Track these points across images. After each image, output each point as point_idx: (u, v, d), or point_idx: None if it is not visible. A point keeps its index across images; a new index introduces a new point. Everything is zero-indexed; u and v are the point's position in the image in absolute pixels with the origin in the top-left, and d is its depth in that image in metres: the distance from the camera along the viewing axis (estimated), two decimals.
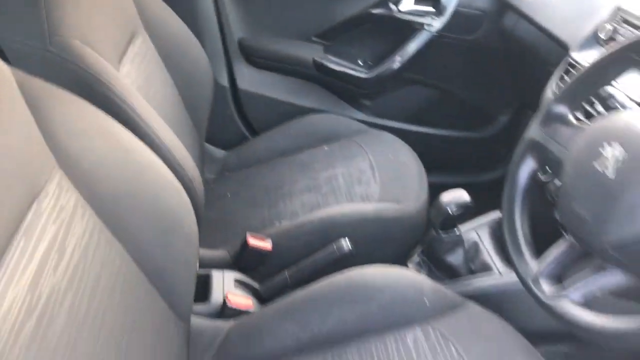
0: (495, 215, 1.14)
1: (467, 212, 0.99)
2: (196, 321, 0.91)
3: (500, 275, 1.00)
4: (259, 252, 1.06)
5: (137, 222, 0.73)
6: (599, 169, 0.59)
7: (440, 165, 1.51)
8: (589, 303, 0.60)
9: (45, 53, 0.83)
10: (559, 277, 0.66)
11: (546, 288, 0.65)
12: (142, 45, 1.13)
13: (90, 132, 0.72)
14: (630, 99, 0.82)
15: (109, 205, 0.69)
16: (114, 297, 0.65)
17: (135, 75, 1.05)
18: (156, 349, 0.73)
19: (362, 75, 1.55)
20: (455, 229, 1.02)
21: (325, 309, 0.89)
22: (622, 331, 0.53)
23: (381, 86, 1.58)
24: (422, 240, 1.14)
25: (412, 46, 1.50)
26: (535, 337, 0.86)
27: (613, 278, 0.60)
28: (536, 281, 0.67)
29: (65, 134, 0.68)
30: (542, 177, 0.97)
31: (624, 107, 0.78)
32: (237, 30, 1.60)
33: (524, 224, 0.74)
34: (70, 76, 0.84)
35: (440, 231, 1.02)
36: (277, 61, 1.62)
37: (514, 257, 0.72)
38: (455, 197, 0.98)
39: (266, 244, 1.07)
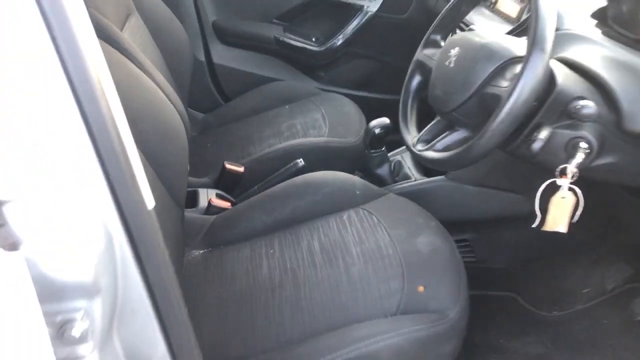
0: None
1: (389, 132, 1.31)
2: (189, 215, 1.22)
3: (415, 181, 1.33)
4: (234, 174, 1.37)
5: (145, 127, 1.02)
6: (447, 64, 0.93)
7: None
8: (445, 150, 0.94)
9: None
10: (430, 140, 0.99)
11: (420, 147, 0.98)
12: (135, 23, 1.43)
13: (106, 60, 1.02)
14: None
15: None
16: None
17: (132, 43, 1.35)
18: (160, 222, 1.02)
19: (315, 49, 1.87)
20: (383, 148, 1.35)
21: (284, 201, 1.20)
22: (455, 155, 0.86)
23: (330, 58, 1.88)
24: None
25: (354, 24, 1.82)
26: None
27: (459, 134, 0.93)
28: (415, 144, 1.00)
29: None
30: None
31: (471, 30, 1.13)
32: (212, 13, 1.90)
33: (412, 115, 1.07)
34: None
35: (370, 150, 1.35)
36: (245, 39, 1.92)
37: (404, 133, 1.05)
38: (379, 121, 1.31)
39: (240, 168, 1.38)
